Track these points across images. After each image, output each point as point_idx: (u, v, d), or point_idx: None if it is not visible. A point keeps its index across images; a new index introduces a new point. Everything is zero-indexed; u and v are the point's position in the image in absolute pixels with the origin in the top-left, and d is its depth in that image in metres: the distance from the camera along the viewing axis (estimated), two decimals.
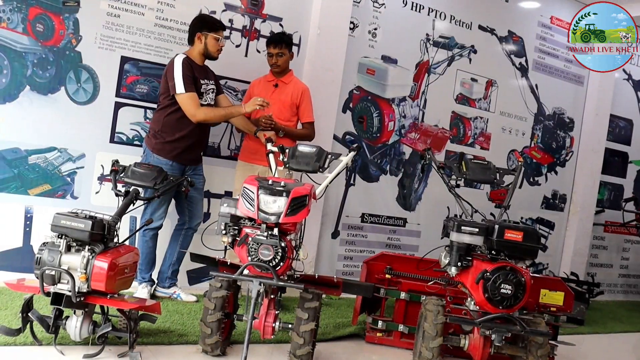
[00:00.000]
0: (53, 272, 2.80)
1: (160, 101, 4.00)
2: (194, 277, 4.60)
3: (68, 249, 2.87)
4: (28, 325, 2.91)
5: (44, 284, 2.81)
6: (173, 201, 4.14)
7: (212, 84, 4.09)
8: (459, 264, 3.26)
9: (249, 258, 2.97)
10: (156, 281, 4.18)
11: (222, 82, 4.54)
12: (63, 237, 2.86)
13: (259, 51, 4.77)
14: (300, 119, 4.47)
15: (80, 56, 4.11)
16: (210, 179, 4.53)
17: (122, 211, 3.16)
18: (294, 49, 4.56)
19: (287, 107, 4.38)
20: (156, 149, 3.94)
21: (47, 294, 2.82)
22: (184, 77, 3.82)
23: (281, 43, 4.36)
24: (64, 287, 2.81)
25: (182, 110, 3.89)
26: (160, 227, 4.01)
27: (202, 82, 3.98)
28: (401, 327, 3.89)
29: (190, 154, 4.03)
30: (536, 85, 6.51)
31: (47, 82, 4.03)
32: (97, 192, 4.23)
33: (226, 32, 4.62)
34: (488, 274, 3.11)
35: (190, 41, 4.05)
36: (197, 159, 4.16)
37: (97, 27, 4.15)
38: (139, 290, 4.01)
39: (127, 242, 3.19)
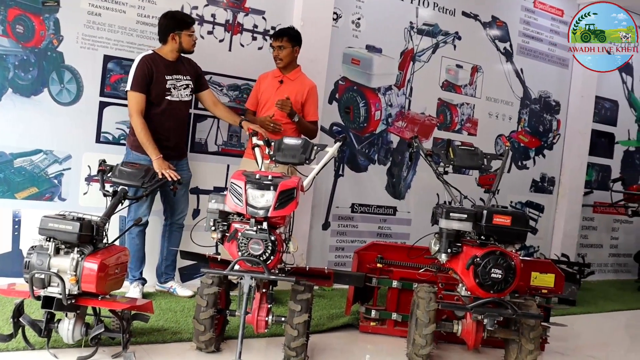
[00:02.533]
0: (43, 276, 2.79)
1: None
2: (186, 275, 4.59)
3: (57, 251, 2.86)
4: (20, 330, 2.89)
5: (34, 288, 2.80)
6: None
7: (186, 79, 4.05)
8: (449, 250, 3.28)
9: (239, 253, 2.97)
10: (147, 279, 4.17)
11: (207, 77, 4.52)
12: (51, 239, 2.85)
13: (242, 45, 4.74)
14: (305, 117, 4.38)
15: (62, 56, 4.07)
16: (198, 175, 4.52)
17: (110, 211, 3.14)
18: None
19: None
20: (134, 146, 3.93)
21: (38, 297, 2.81)
22: (135, 76, 3.85)
23: (281, 36, 4.31)
24: (54, 290, 2.80)
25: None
26: (146, 224, 4.00)
27: (169, 78, 3.95)
28: (394, 316, 3.91)
29: (170, 150, 3.97)
30: (521, 70, 6.53)
31: (30, 84, 3.99)
32: (85, 193, 4.20)
33: (209, 27, 4.60)
34: (478, 259, 3.13)
35: (162, 40, 4.01)
36: (179, 154, 4.12)
37: (79, 26, 4.10)
38: (131, 289, 4.00)
39: (116, 242, 3.18)
